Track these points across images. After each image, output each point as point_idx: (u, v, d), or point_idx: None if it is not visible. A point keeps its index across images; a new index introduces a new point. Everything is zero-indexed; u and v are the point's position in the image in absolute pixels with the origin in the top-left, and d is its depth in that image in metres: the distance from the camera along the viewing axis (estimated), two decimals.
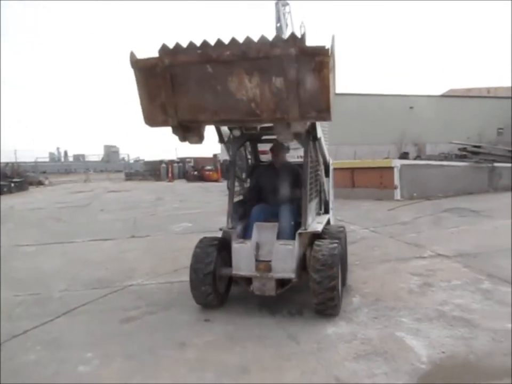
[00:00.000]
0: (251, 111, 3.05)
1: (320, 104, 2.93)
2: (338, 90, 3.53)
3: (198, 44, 2.97)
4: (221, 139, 4.29)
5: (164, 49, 3.03)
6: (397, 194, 12.24)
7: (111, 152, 70.20)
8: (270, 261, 3.79)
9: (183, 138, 3.47)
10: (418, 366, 2.90)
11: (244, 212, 4.48)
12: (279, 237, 3.93)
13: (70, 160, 70.25)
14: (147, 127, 3.29)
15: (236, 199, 4.46)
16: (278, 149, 4.61)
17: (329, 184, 5.19)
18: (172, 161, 37.23)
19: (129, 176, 38.87)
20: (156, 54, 3.01)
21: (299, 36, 2.79)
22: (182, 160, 38.11)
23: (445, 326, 3.52)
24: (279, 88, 2.92)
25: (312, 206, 4.33)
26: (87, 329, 3.77)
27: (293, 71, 2.84)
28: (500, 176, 13.69)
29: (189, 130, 3.43)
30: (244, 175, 4.92)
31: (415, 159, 20.36)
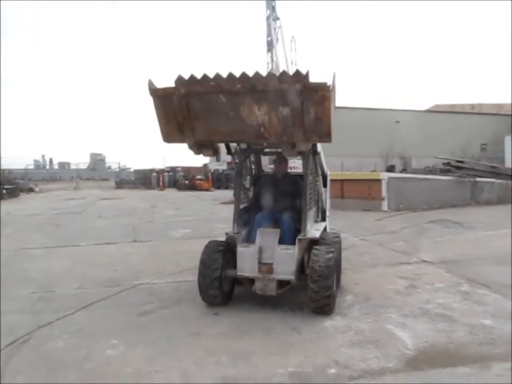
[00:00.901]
0: (260, 134, 3.47)
1: (322, 130, 3.37)
2: None
3: (211, 74, 3.36)
4: (229, 151, 4.71)
5: (180, 80, 3.46)
6: (384, 205, 12.71)
7: (97, 160, 69.54)
8: (272, 264, 4.13)
9: (198, 153, 3.90)
10: (405, 352, 3.33)
11: (247, 218, 4.83)
12: (280, 242, 4.24)
13: (55, 167, 69.40)
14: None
15: (241, 206, 4.80)
16: (280, 161, 5.00)
17: (326, 194, 5.58)
18: (162, 170, 37.40)
19: (120, 184, 38.85)
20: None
21: (303, 72, 3.17)
22: (173, 169, 38.29)
23: (428, 321, 3.95)
24: (286, 116, 3.33)
25: (311, 214, 4.69)
26: (107, 321, 4.11)
27: (298, 103, 3.25)
28: (482, 190, 14.20)
29: (204, 146, 3.86)
30: (247, 184, 5.32)
31: (401, 172, 20.97)
